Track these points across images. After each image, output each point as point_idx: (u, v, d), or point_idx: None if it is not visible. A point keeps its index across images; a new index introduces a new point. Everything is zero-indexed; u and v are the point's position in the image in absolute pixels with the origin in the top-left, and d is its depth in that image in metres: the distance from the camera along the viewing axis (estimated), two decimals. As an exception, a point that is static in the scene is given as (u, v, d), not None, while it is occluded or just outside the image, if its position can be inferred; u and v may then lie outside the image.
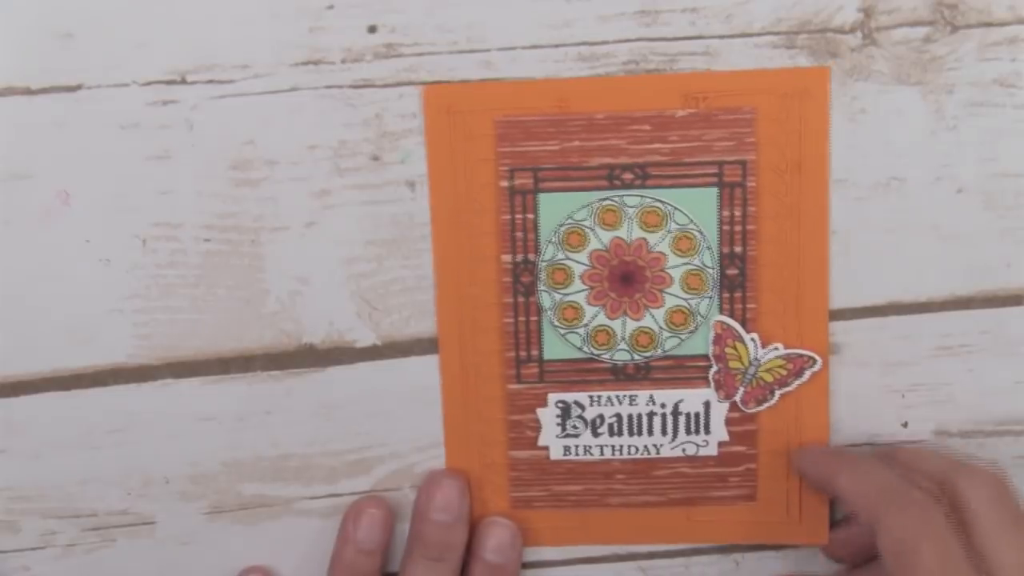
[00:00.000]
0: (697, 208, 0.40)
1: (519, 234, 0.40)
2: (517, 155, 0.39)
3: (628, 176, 0.39)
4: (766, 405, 0.41)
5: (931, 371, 0.43)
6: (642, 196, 0.39)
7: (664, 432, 0.42)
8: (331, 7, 0.39)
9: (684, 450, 0.42)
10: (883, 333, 0.42)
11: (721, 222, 0.40)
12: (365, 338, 0.42)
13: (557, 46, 0.39)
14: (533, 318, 0.41)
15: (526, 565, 0.44)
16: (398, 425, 0.43)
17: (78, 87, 0.39)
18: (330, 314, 0.42)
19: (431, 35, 0.39)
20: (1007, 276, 0.42)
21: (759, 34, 0.39)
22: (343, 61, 0.39)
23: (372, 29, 0.39)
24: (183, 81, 0.39)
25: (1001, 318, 0.42)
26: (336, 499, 0.43)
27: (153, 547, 0.44)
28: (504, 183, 0.39)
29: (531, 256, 0.40)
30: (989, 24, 0.39)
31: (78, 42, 0.39)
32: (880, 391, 0.43)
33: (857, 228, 0.41)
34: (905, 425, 0.43)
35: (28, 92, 0.39)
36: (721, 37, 0.39)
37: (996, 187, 0.41)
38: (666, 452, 0.42)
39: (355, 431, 0.43)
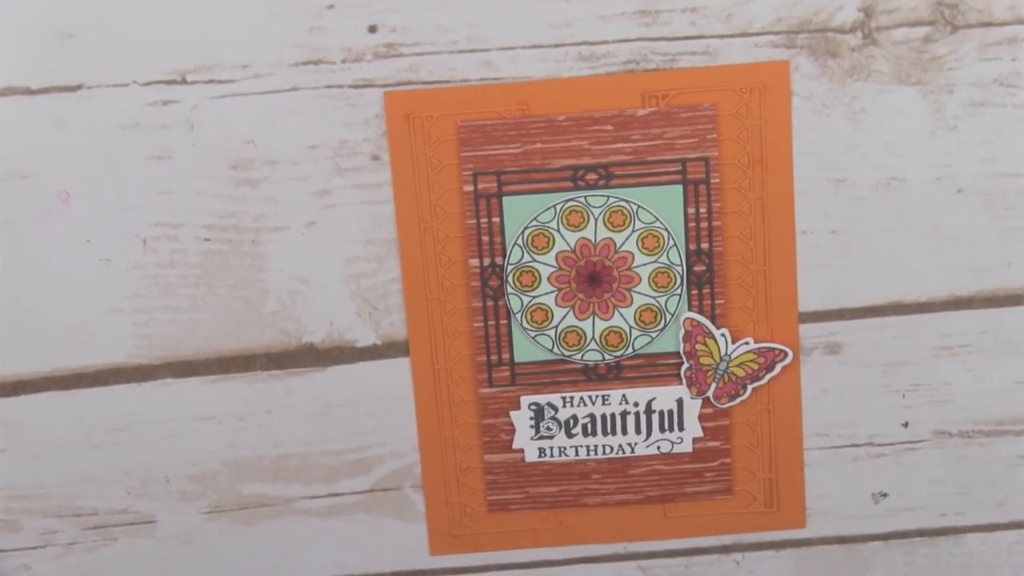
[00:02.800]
0: (662, 206, 0.40)
1: (485, 238, 0.40)
2: (480, 159, 0.39)
3: (592, 176, 0.39)
4: (739, 400, 0.42)
5: (931, 371, 0.43)
6: (607, 196, 0.40)
7: (638, 430, 0.42)
8: (331, 7, 0.39)
9: (659, 448, 0.42)
10: (883, 333, 0.42)
11: (687, 219, 0.40)
12: (365, 338, 0.42)
13: (557, 46, 0.39)
14: (503, 321, 0.41)
15: (527, 565, 0.44)
16: (398, 424, 0.43)
17: (78, 87, 0.39)
18: (330, 314, 0.42)
19: (431, 35, 0.39)
20: (1007, 276, 0.42)
21: (759, 34, 0.39)
22: (343, 61, 0.39)
23: (372, 29, 0.39)
24: (183, 81, 0.39)
25: (1001, 318, 0.42)
26: (336, 499, 0.44)
27: (153, 546, 0.44)
28: (468, 187, 0.39)
29: (498, 259, 0.40)
30: (989, 24, 0.39)
31: (78, 42, 0.39)
32: (880, 391, 0.43)
33: (857, 228, 0.41)
34: (905, 425, 0.43)
35: (28, 92, 0.39)
36: (721, 37, 0.39)
37: (996, 187, 0.41)
38: (641, 450, 0.42)
39: (355, 431, 0.43)
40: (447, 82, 0.39)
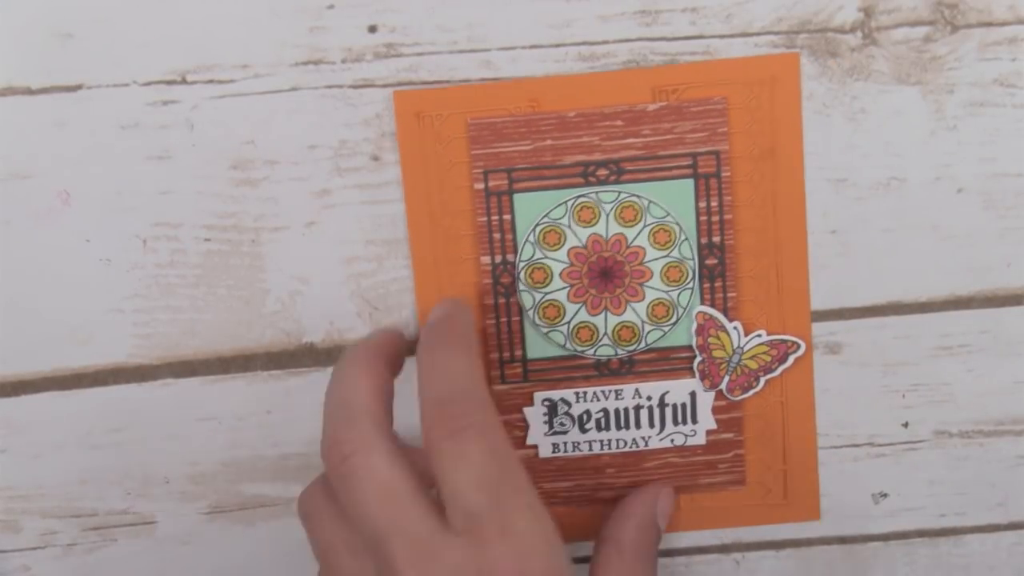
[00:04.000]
0: (673, 200, 0.40)
1: (496, 235, 0.40)
2: (490, 156, 0.39)
3: (603, 172, 0.39)
4: (752, 392, 0.42)
5: (931, 371, 0.43)
6: (618, 191, 0.39)
7: (652, 424, 0.42)
8: (331, 7, 0.39)
9: (672, 440, 0.42)
10: (883, 333, 0.42)
11: (698, 213, 0.40)
12: (365, 338, 0.42)
13: (557, 46, 0.39)
14: (515, 318, 0.41)
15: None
16: (398, 425, 0.43)
17: (78, 87, 0.39)
18: (330, 314, 0.42)
19: (431, 35, 0.39)
20: (1007, 276, 0.42)
21: (759, 34, 0.39)
22: (343, 61, 0.39)
23: (372, 29, 0.39)
24: (183, 81, 0.39)
25: (1001, 318, 0.42)
26: (336, 499, 0.43)
27: (153, 547, 0.44)
28: (479, 185, 0.39)
29: (509, 256, 0.40)
30: (989, 24, 0.39)
31: (78, 42, 0.39)
32: (880, 391, 0.43)
33: (857, 228, 0.41)
34: (905, 425, 0.43)
35: (28, 92, 0.39)
36: (721, 37, 0.39)
37: (996, 187, 0.41)
38: (655, 443, 0.42)
39: (355, 431, 0.43)
40: (447, 82, 0.39)
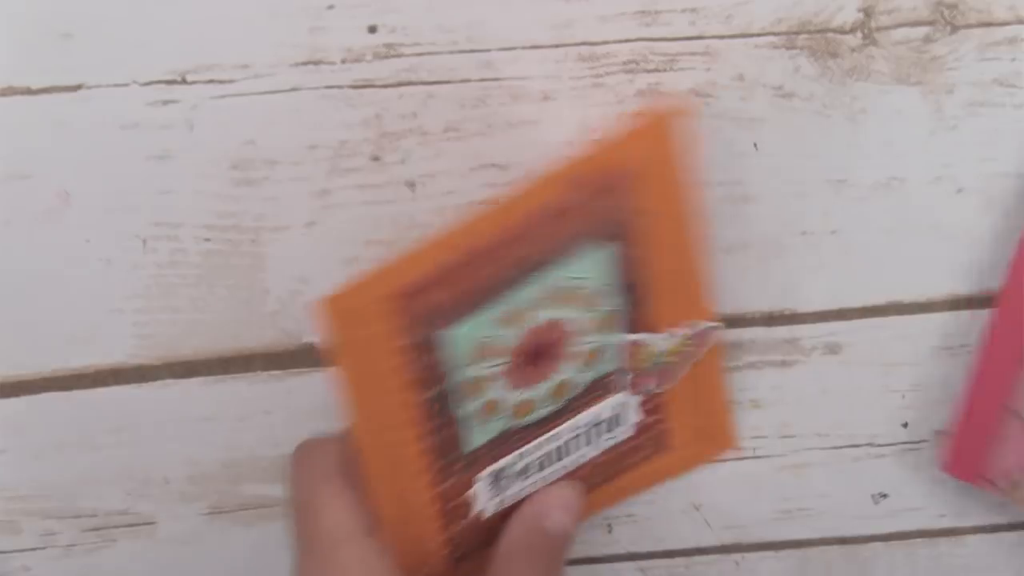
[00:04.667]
0: (595, 267, 0.38)
1: (429, 369, 0.38)
2: (412, 308, 0.37)
3: (523, 271, 0.37)
4: (679, 376, 0.41)
5: (931, 371, 0.43)
6: (542, 283, 0.38)
7: (588, 443, 0.41)
8: (331, 7, 0.39)
9: (607, 444, 0.42)
10: (883, 333, 0.42)
11: (617, 264, 0.38)
12: (365, 338, 0.42)
13: (557, 46, 0.39)
14: (452, 426, 0.39)
15: (526, 565, 0.44)
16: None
17: (78, 87, 0.39)
18: (330, 314, 0.42)
19: (431, 35, 0.39)
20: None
21: (759, 34, 0.39)
22: (343, 61, 0.39)
23: (372, 29, 0.39)
24: (183, 81, 0.39)
25: (1001, 318, 0.42)
26: (336, 499, 0.43)
27: (153, 547, 0.44)
28: (405, 341, 0.37)
29: (445, 382, 0.38)
30: (989, 24, 0.39)
31: (78, 42, 0.39)
32: (880, 391, 0.43)
33: (857, 228, 0.41)
34: (905, 425, 0.43)
35: (28, 92, 0.39)
36: (721, 37, 0.39)
37: (996, 187, 0.41)
38: (591, 454, 0.42)
39: (355, 431, 0.43)
40: (447, 82, 0.39)
